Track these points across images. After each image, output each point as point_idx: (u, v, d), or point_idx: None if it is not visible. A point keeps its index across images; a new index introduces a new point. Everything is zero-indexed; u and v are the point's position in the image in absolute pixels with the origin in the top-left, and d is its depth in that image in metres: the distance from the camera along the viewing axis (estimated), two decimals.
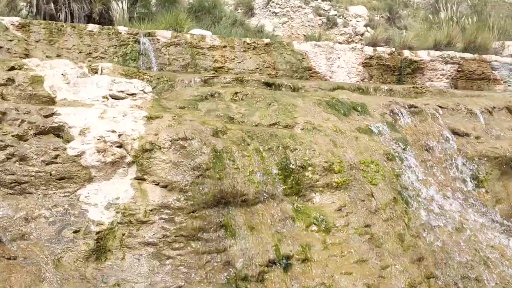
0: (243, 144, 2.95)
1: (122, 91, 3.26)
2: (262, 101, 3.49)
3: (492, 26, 11.97)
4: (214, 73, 4.85)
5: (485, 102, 4.36)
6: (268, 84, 4.10)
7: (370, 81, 7.09)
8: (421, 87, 4.81)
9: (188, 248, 2.58)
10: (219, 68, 6.29)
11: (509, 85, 8.39)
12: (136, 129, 2.80)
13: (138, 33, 5.62)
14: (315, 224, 2.92)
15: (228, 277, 2.59)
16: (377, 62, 7.44)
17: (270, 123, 3.30)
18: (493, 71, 8.39)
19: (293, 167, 3.03)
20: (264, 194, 2.91)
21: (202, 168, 2.72)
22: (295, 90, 4.17)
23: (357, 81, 6.89)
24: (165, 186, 2.65)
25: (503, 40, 11.96)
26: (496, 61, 8.53)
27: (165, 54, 5.82)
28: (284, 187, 2.99)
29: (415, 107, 3.95)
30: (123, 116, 2.89)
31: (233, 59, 6.53)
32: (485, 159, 3.88)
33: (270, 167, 2.97)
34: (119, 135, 2.76)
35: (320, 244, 2.85)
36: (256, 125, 3.28)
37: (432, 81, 7.89)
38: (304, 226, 2.91)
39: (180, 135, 2.76)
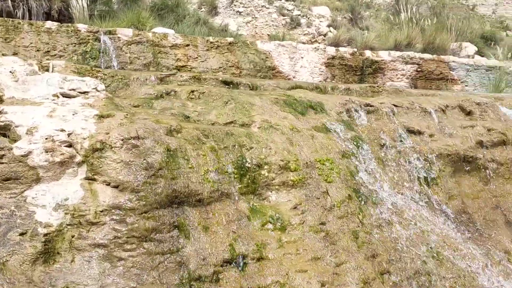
0: (198, 143, 2.92)
1: (74, 89, 3.17)
2: (219, 99, 3.46)
3: (450, 28, 12.31)
4: (172, 72, 4.79)
5: (439, 101, 4.47)
6: (226, 83, 4.08)
7: (333, 81, 7.17)
8: (377, 86, 4.89)
9: (141, 249, 2.53)
10: (182, 67, 6.24)
11: (466, 85, 8.64)
12: (87, 128, 2.73)
13: (98, 31, 5.51)
14: (270, 222, 2.92)
15: (181, 278, 2.55)
16: (339, 62, 7.52)
17: (226, 121, 3.28)
18: (451, 72, 8.61)
19: (249, 165, 3.02)
20: (220, 193, 2.88)
21: (155, 168, 2.68)
22: (254, 88, 4.16)
23: (320, 81, 6.96)
24: (116, 186, 2.59)
25: (460, 41, 12.33)
26: (453, 61, 8.76)
27: (126, 53, 5.73)
28: (240, 186, 2.97)
29: (371, 106, 4.01)
30: (73, 114, 2.81)
31: (196, 58, 6.49)
32: (439, 156, 3.97)
33: (225, 166, 2.95)
34: (69, 134, 2.68)
35: (276, 243, 2.85)
36: (213, 124, 3.25)
37: (392, 81, 8.05)
38: (260, 224, 2.90)
39: (132, 134, 2.71)
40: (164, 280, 2.53)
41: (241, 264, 2.72)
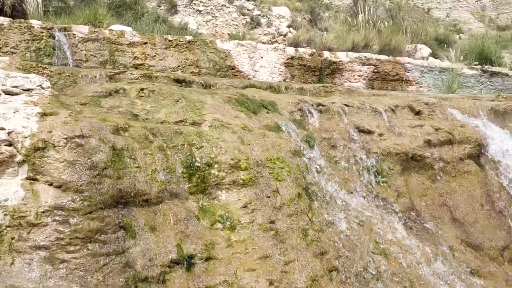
0: (145, 142, 2.88)
1: (17, 86, 3.06)
2: (169, 97, 3.42)
3: (405, 30, 12.59)
4: (122, 69, 4.70)
5: (389, 101, 4.57)
6: (178, 81, 4.03)
7: (292, 81, 7.21)
8: (330, 86, 4.96)
9: (85, 250, 2.46)
10: (140, 65, 6.15)
11: (420, 86, 8.86)
12: (28, 127, 2.64)
13: (52, 27, 5.34)
14: (220, 222, 2.91)
15: (127, 279, 2.51)
16: (298, 63, 7.56)
17: (176, 120, 3.25)
18: (406, 73, 8.78)
19: (199, 164, 2.99)
20: (168, 193, 2.85)
21: (99, 167, 2.61)
22: (207, 87, 4.14)
23: (280, 81, 6.98)
24: (59, 187, 2.52)
25: (415, 43, 12.64)
26: (409, 63, 8.94)
27: (82, 50, 5.59)
28: (189, 185, 2.94)
29: (323, 106, 4.05)
30: (14, 112, 2.71)
31: (154, 56, 6.41)
32: (388, 155, 4.06)
33: (174, 166, 2.92)
34: (9, 133, 2.59)
35: (225, 242, 2.83)
36: (162, 123, 3.21)
37: (350, 81, 8.16)
38: (209, 224, 2.88)
39: (76, 132, 2.64)
40: (109, 281, 2.48)
41: (189, 264, 2.70)
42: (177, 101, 3.39)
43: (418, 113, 4.66)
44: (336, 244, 3.16)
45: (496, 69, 9.65)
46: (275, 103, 3.84)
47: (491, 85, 9.37)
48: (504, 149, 4.67)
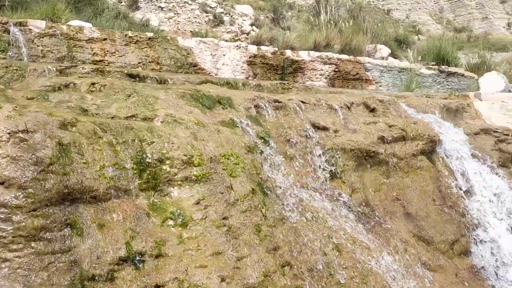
0: (94, 137, 2.80)
1: None
2: (121, 92, 3.35)
3: (366, 30, 12.78)
4: (72, 64, 4.58)
5: (345, 98, 4.62)
6: (132, 76, 3.96)
7: (255, 79, 7.20)
8: (287, 83, 4.98)
9: (28, 249, 2.38)
10: (99, 61, 6.03)
11: (380, 86, 9.01)
12: None
13: (7, 22, 5.17)
14: (171, 218, 2.87)
15: (73, 278, 2.43)
16: (261, 61, 7.58)
17: (127, 115, 3.18)
18: (366, 72, 8.91)
19: (150, 160, 2.94)
20: (117, 189, 2.78)
21: (45, 163, 2.53)
22: (162, 82, 4.07)
23: (242, 79, 6.97)
24: (1, 183, 2.42)
25: (375, 43, 12.86)
26: (369, 62, 9.08)
27: (38, 46, 5.44)
28: (139, 181, 2.89)
29: (279, 102, 4.06)
30: None
31: (114, 52, 6.30)
32: (343, 151, 4.11)
33: (124, 161, 2.85)
34: None
35: (176, 239, 2.80)
36: (112, 118, 3.13)
37: (312, 80, 8.22)
38: (160, 221, 2.84)
39: (20, 127, 2.54)
40: (54, 280, 2.40)
41: (139, 261, 2.64)
42: (129, 96, 3.32)
43: (372, 110, 4.74)
44: (289, 240, 3.17)
45: (452, 69, 9.92)
46: (231, 99, 3.82)
47: (448, 85, 9.63)
48: (455, 145, 4.80)
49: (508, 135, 5.61)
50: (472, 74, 10.00)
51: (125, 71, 3.98)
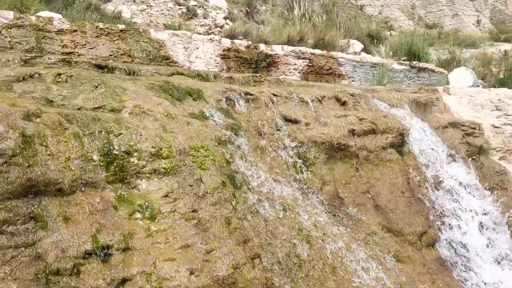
0: (59, 129, 2.73)
1: None
2: (88, 83, 3.27)
3: (339, 25, 12.85)
4: (38, 53, 4.46)
5: (316, 92, 4.63)
6: (100, 67, 3.87)
7: (227, 72, 7.15)
8: (259, 76, 4.96)
9: None
10: (69, 53, 5.89)
11: (353, 80, 9.08)
12: None
13: None
14: (139, 211, 2.82)
15: (37, 272, 2.37)
16: (234, 55, 7.54)
17: (94, 106, 3.11)
18: (339, 67, 8.97)
19: (117, 152, 2.88)
20: (83, 182, 2.72)
21: (7, 155, 2.45)
22: (131, 74, 4.00)
23: (213, 71, 6.91)
24: None
25: (348, 38, 12.95)
26: (342, 57, 9.14)
27: (6, 37, 5.30)
28: (106, 174, 2.83)
29: (251, 95, 4.04)
30: None
31: (85, 44, 6.17)
32: (314, 144, 4.12)
33: (90, 153, 2.79)
34: None
35: (144, 232, 2.75)
36: (79, 109, 3.06)
37: (286, 74, 8.22)
38: (128, 214, 2.79)
39: None
40: (17, 275, 2.33)
41: (105, 255, 2.59)
42: (96, 87, 3.25)
43: (343, 103, 4.77)
44: (259, 232, 3.16)
45: (423, 65, 10.09)
46: (202, 91, 3.78)
47: (419, 80, 9.78)
48: (423, 138, 4.88)
49: (475, 128, 5.74)
50: (442, 69, 10.19)
51: (93, 62, 3.89)
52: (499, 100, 6.51)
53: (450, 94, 6.48)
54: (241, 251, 2.98)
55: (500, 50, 19.56)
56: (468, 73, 9.01)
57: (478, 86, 8.98)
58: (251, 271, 2.93)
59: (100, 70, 3.85)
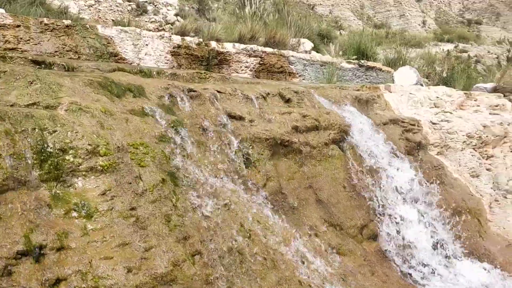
0: None
1: None
2: (22, 79, 3.16)
3: (290, 24, 12.96)
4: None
5: (261, 89, 4.68)
6: (37, 62, 3.75)
7: (173, 69, 7.07)
8: (204, 73, 4.95)
9: None
10: (12, 49, 5.66)
11: (303, 79, 9.19)
12: None
13: None
14: (75, 210, 2.76)
15: None
16: (185, 52, 7.46)
17: (29, 103, 3.01)
18: (290, 65, 9.04)
19: (52, 150, 2.81)
20: (15, 180, 2.63)
21: None
22: (70, 69, 3.90)
23: (156, 67, 6.82)
24: None
25: (299, 37, 13.09)
26: (292, 56, 9.21)
27: None
28: (40, 172, 2.75)
29: (194, 91, 4.03)
30: None
31: (28, 40, 5.95)
32: (258, 140, 4.16)
33: (23, 151, 2.70)
34: None
35: (80, 231, 2.70)
36: (12, 105, 2.96)
37: (237, 72, 8.23)
38: (63, 213, 2.73)
39: None
40: None
41: (39, 255, 2.53)
42: (31, 83, 3.15)
43: (288, 100, 4.84)
44: (200, 228, 3.17)
45: (371, 63, 10.35)
46: (143, 87, 3.73)
47: (367, 79, 10.02)
48: (364, 135, 5.02)
49: (414, 125, 5.96)
50: (389, 68, 10.49)
51: (29, 58, 3.77)
52: (437, 97, 6.79)
53: (391, 92, 6.69)
54: (181, 248, 2.97)
55: (443, 49, 20.39)
56: (411, 71, 9.32)
57: (421, 84, 9.31)
58: (191, 267, 2.94)
59: (37, 66, 3.73)
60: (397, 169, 5.05)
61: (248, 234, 3.41)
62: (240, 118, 4.19)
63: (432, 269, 4.66)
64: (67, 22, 6.35)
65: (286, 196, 4.13)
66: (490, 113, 7.22)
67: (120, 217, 2.86)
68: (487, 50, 23.95)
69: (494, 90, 8.97)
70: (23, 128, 2.76)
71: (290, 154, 4.42)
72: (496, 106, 7.44)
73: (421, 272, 4.56)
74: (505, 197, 6.30)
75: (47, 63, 3.83)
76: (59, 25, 6.10)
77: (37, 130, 2.80)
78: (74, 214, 2.76)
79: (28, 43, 5.86)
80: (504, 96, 8.16)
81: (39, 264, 2.51)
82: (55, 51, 6.02)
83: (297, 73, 9.14)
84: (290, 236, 3.72)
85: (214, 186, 3.57)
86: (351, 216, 4.44)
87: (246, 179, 3.93)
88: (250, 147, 4.11)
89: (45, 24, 5.99)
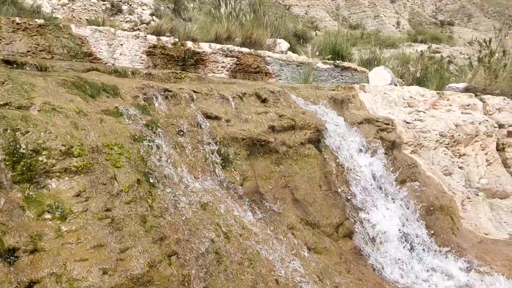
0: None
1: None
2: None
3: (266, 25, 13.00)
4: None
5: (237, 89, 4.68)
6: (9, 62, 3.68)
7: (148, 68, 7.01)
8: (180, 73, 4.93)
9: None
10: None
11: (280, 79, 9.23)
12: None
13: None
14: (49, 212, 2.72)
15: None
16: (161, 52, 7.42)
17: (0, 103, 2.96)
18: (267, 66, 9.06)
19: (24, 151, 2.76)
20: None
21: None
22: (43, 69, 3.84)
23: (131, 67, 6.76)
24: None
25: (275, 37, 13.14)
26: (269, 56, 9.24)
27: None
28: (13, 174, 2.70)
29: (170, 91, 4.01)
30: None
31: (0, 39, 5.86)
32: (234, 140, 4.16)
33: None
34: None
35: (54, 233, 2.66)
36: None
37: (214, 72, 8.21)
38: (36, 215, 2.68)
39: None
40: None
41: (12, 258, 2.48)
42: (3, 83, 3.09)
43: (264, 100, 4.85)
44: (176, 229, 3.15)
45: (346, 64, 10.45)
46: (118, 87, 3.70)
47: (342, 79, 10.11)
48: (339, 134, 5.08)
49: (388, 124, 6.06)
50: (364, 68, 10.62)
51: (1, 57, 3.69)
52: (411, 97, 6.92)
53: (366, 92, 6.78)
54: (157, 248, 2.96)
55: (417, 50, 20.75)
56: (386, 72, 9.46)
57: (396, 84, 9.45)
58: (168, 268, 2.93)
59: (9, 66, 3.66)
60: (372, 168, 5.13)
61: (225, 234, 3.41)
62: (217, 118, 4.19)
63: (406, 265, 4.74)
64: (40, 21, 6.26)
65: (263, 195, 4.14)
66: (462, 113, 7.40)
67: (95, 218, 2.83)
68: (459, 51, 24.50)
69: (466, 90, 9.18)
70: None
71: (266, 154, 4.44)
72: (468, 105, 7.61)
73: (395, 268, 4.64)
74: (477, 195, 6.46)
75: (19, 63, 3.76)
76: (32, 25, 6.02)
77: (9, 131, 2.75)
78: (48, 215, 2.72)
79: (0, 43, 5.77)
80: (476, 95, 8.37)
81: (12, 267, 2.47)
82: (28, 51, 5.92)
83: (274, 74, 9.17)
84: (267, 235, 3.74)
85: (191, 186, 3.56)
86: (327, 214, 4.48)
87: (222, 179, 3.93)
88: (227, 147, 4.11)
89: (17, 24, 5.90)
